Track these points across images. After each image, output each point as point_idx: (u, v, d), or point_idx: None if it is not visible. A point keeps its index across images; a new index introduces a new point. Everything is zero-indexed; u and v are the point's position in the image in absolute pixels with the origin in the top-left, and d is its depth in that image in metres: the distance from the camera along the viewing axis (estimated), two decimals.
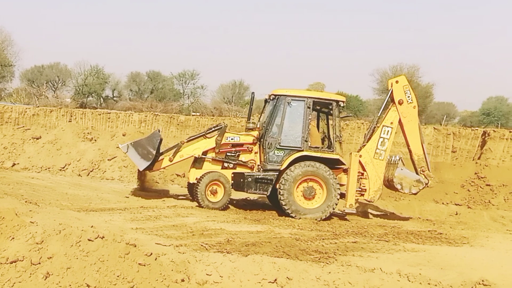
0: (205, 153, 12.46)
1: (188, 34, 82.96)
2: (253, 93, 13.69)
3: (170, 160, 12.54)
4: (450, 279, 6.52)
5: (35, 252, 5.66)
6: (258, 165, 12.38)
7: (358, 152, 12.34)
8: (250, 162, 12.43)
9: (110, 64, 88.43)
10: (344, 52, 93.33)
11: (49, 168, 17.81)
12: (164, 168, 13.23)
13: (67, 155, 18.44)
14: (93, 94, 41.00)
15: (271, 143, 12.12)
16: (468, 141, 17.36)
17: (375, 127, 12.54)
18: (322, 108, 13.04)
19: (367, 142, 12.43)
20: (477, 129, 18.32)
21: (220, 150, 12.43)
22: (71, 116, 22.44)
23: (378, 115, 12.87)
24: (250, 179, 12.14)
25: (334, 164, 12.13)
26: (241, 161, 12.44)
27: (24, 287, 5.30)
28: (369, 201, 12.53)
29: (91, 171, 17.98)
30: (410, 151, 12.56)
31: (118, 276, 5.69)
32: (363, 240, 9.28)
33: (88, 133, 20.04)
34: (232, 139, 12.52)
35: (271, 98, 12.44)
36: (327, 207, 11.73)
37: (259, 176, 12.15)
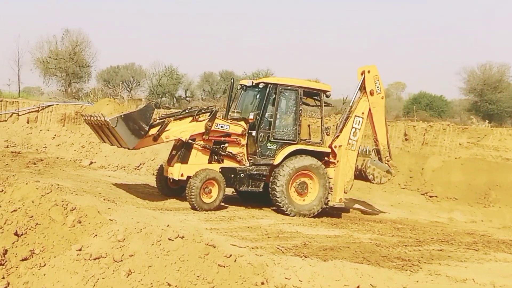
0: (192, 137, 11.15)
1: (264, 33, 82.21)
2: (232, 79, 12.56)
3: (155, 140, 11.00)
4: None
5: (117, 250, 5.72)
6: (250, 159, 11.47)
7: (332, 143, 12.03)
8: (239, 156, 11.40)
9: (183, 64, 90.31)
10: (426, 49, 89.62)
11: (124, 167, 18.29)
12: (145, 146, 12.05)
13: (142, 155, 18.83)
14: (166, 94, 41.80)
15: (263, 135, 11.38)
16: None
17: (348, 116, 12.17)
18: (307, 98, 12.41)
19: (340, 132, 12.09)
20: None
21: (209, 138, 11.23)
22: None
23: (350, 104, 12.48)
24: (242, 174, 11.26)
25: (323, 158, 11.70)
26: (230, 153, 11.36)
27: (107, 283, 5.33)
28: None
29: None
30: (376, 141, 12.51)
31: (198, 276, 5.61)
32: (450, 248, 8.80)
33: None
34: (222, 126, 11.31)
35: (261, 87, 11.54)
36: (319, 202, 11.35)
37: (252, 172, 11.30)
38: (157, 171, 12.69)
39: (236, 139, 11.37)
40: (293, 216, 11.08)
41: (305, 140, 11.76)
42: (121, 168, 18.18)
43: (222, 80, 41.67)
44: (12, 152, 17.50)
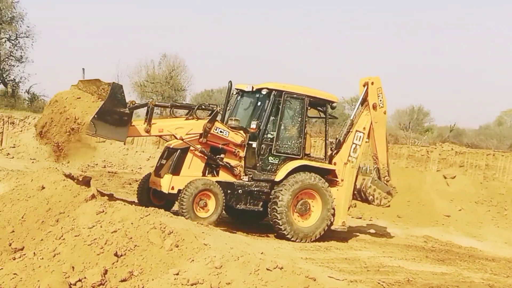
0: (187, 138, 9.81)
1: (362, 56, 79.99)
2: (230, 82, 10.59)
3: (147, 131, 9.50)
4: None
5: (214, 277, 5.54)
6: (249, 174, 10.21)
7: (331, 160, 10.97)
8: (236, 169, 10.10)
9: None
10: None
11: None
12: (135, 136, 10.77)
13: None
14: None
15: (264, 148, 10.20)
16: None
17: (348, 131, 11.15)
18: (310, 109, 11.15)
19: (339, 148, 11.04)
20: None
21: (207, 142, 9.90)
22: None
23: (351, 118, 11.43)
24: (241, 190, 10.00)
25: (327, 176, 10.62)
26: (228, 165, 10.05)
27: None
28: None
29: None
30: (375, 159, 11.59)
31: None
32: None
33: None
34: (221, 132, 9.93)
35: (264, 93, 10.33)
36: (321, 224, 10.26)
37: (252, 188, 10.08)
38: (140, 181, 11.07)
39: (235, 149, 10.08)
40: (292, 239, 10.04)
41: (308, 155, 10.82)
42: None
43: None
44: (109, 172, 18.22)
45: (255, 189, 10.11)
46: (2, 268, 5.47)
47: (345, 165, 10.94)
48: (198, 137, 9.79)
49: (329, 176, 10.75)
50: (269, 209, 10.21)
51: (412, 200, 15.82)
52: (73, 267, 5.46)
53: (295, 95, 10.44)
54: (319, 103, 11.05)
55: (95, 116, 8.34)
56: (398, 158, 18.25)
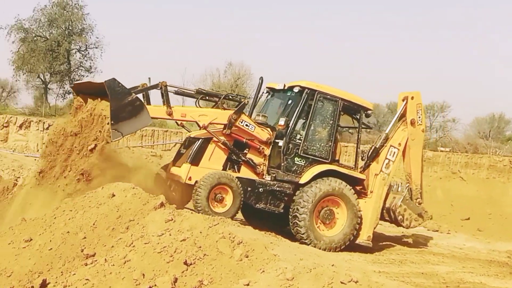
0: (209, 127, 9.36)
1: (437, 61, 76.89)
2: (261, 78, 10.10)
3: (169, 114, 9.00)
4: None
5: None
6: (272, 173, 9.68)
7: (362, 171, 10.43)
8: (259, 167, 9.59)
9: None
10: None
11: None
12: (157, 118, 9.98)
13: None
14: None
15: (291, 148, 9.69)
16: None
17: (382, 145, 10.60)
18: (344, 115, 10.61)
19: (372, 161, 10.50)
20: None
21: (231, 134, 9.39)
22: None
23: (386, 131, 10.89)
24: (261, 189, 9.50)
25: (355, 185, 10.07)
26: (251, 161, 9.54)
27: None
28: None
29: None
30: (409, 178, 10.97)
31: None
32: None
33: None
34: (247, 125, 9.40)
35: (296, 91, 9.88)
36: (345, 235, 9.70)
37: (274, 188, 9.57)
38: (158, 172, 10.35)
39: (259, 146, 9.60)
40: (315, 247, 9.46)
41: (337, 161, 10.30)
42: None
43: (389, 112, 39.90)
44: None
45: (277, 189, 9.63)
46: (74, 274, 5.49)
47: (375, 176, 10.42)
48: (222, 128, 9.37)
49: (358, 187, 10.28)
50: (290, 215, 9.69)
51: (494, 213, 15.03)
52: (143, 274, 5.40)
53: (328, 96, 9.99)
54: (353, 109, 10.61)
55: (112, 122, 8.14)
56: (478, 168, 17.37)
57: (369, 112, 10.65)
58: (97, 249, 6.63)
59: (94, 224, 7.04)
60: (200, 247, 5.94)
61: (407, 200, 10.63)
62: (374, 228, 10.38)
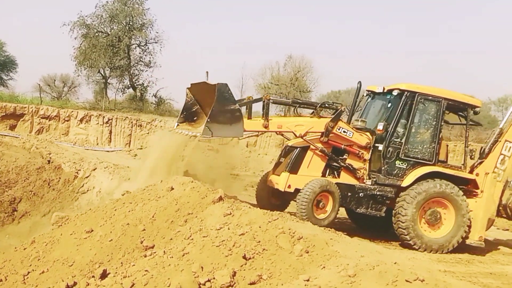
0: (307, 136, 9.62)
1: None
2: (359, 82, 10.08)
3: (265, 127, 9.37)
4: None
5: (347, 285, 5.19)
6: (373, 177, 9.66)
7: (473, 170, 10.10)
8: (360, 171, 9.69)
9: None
10: None
11: None
12: (253, 131, 10.63)
13: None
14: None
15: (392, 151, 9.56)
16: None
17: (496, 141, 10.19)
18: (449, 113, 10.46)
19: (485, 158, 10.12)
20: None
21: (329, 141, 9.58)
22: None
23: (501, 126, 10.46)
24: (362, 194, 9.54)
25: (464, 186, 9.78)
26: (350, 166, 9.67)
27: None
28: None
29: None
30: None
31: None
32: None
33: None
34: (344, 132, 9.60)
35: (395, 94, 9.75)
36: (454, 236, 9.42)
37: (374, 192, 9.53)
38: (260, 178, 10.89)
39: (359, 151, 9.74)
40: (420, 250, 9.33)
41: (442, 161, 9.96)
42: None
43: None
44: (231, 174, 18.47)
45: (378, 193, 9.62)
46: (134, 265, 5.54)
47: (485, 175, 9.98)
48: (320, 136, 9.54)
49: (469, 186, 9.95)
50: (393, 221, 9.63)
51: None
52: (202, 267, 5.38)
53: (430, 97, 9.81)
54: (459, 107, 10.25)
55: (208, 120, 8.54)
56: None
57: (477, 109, 10.35)
58: (156, 241, 6.70)
59: (153, 217, 7.11)
60: (259, 241, 5.87)
61: None
62: (488, 228, 10.19)
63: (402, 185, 9.59)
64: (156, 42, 28.59)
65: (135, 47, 28.61)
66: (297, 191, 9.27)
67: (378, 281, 5.25)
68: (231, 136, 10.43)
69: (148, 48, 28.74)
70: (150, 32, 28.27)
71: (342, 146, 9.64)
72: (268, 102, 9.42)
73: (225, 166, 18.92)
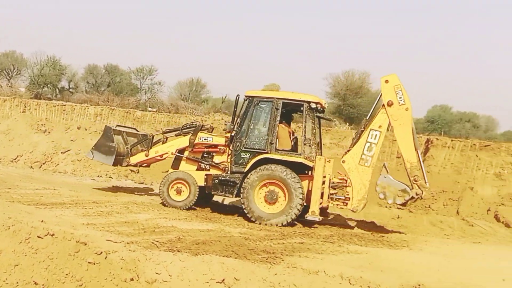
0: (181, 151, 12.76)
1: (147, 29, 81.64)
2: (237, 95, 12.84)
3: (146, 156, 13.22)
4: (389, 283, 6.71)
5: None
6: (226, 167, 12.25)
7: (342, 157, 11.61)
8: (222, 164, 12.33)
9: (67, 55, 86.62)
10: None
11: (0, 159, 17.41)
12: (140, 162, 13.53)
13: (20, 146, 18.09)
14: (48, 85, 40.37)
15: (237, 145, 11.96)
16: None
17: (362, 130, 11.57)
18: (295, 110, 12.61)
19: (352, 147, 11.56)
20: (421, 136, 18.79)
21: (194, 150, 12.64)
22: (25, 107, 22.15)
23: (367, 117, 11.73)
24: (217, 180, 12.00)
25: (298, 168, 11.52)
26: (214, 162, 12.47)
27: None
28: (352, 211, 11.51)
29: (43, 164, 17.75)
30: (402, 158, 11.50)
31: (67, 274, 5.75)
32: (310, 241, 9.48)
33: (42, 124, 19.72)
34: (205, 139, 12.62)
35: (244, 99, 12.18)
36: (289, 210, 11.15)
37: (225, 178, 11.96)
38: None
39: (220, 149, 12.45)
40: (259, 223, 11.19)
41: (283, 150, 11.75)
42: None
43: (106, 74, 41.00)
44: None
45: (230, 179, 11.89)
46: None
47: (328, 162, 11.55)
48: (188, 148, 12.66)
49: (302, 169, 11.66)
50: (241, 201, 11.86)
51: None
52: None
53: (264, 99, 12.00)
54: (296, 105, 11.98)
55: (94, 147, 13.45)
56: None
57: (312, 104, 11.74)
58: None
59: None
60: None
61: (385, 177, 11.16)
62: (361, 208, 11.40)
63: (245, 171, 11.71)
64: None
65: None
66: None
67: (12, 239, 5.87)
68: (104, 162, 13.62)
69: None
70: None
71: (207, 150, 12.57)
72: (153, 137, 13.47)
73: None
